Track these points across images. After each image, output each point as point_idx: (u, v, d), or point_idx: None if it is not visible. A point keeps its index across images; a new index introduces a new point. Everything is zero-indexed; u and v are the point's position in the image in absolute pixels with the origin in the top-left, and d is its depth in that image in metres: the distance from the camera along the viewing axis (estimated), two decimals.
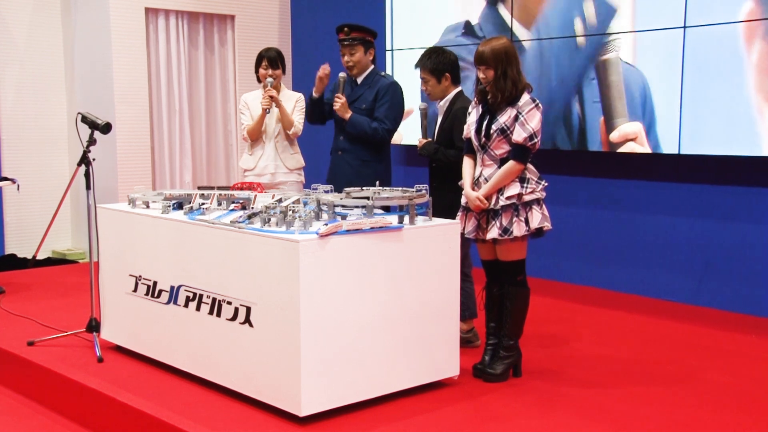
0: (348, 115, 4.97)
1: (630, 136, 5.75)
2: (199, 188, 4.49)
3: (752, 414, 3.71)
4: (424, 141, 4.63)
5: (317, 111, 5.18)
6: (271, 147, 5.45)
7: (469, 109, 4.22)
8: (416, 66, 4.65)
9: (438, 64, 4.53)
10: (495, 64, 3.96)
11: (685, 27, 5.41)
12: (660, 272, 5.89)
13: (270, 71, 5.39)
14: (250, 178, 5.49)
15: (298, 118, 5.46)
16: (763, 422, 3.62)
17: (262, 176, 5.44)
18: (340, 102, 4.97)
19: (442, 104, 4.61)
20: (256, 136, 5.46)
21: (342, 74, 5.08)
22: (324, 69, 5.10)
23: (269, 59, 5.41)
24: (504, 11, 6.41)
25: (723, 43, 5.23)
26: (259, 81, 5.49)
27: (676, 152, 5.52)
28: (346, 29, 5.04)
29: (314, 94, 5.13)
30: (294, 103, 5.49)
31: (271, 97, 5.33)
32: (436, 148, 4.55)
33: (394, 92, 5.01)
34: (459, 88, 4.63)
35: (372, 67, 5.11)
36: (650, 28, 5.59)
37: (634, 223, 6.04)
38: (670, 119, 5.51)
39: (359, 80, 5.09)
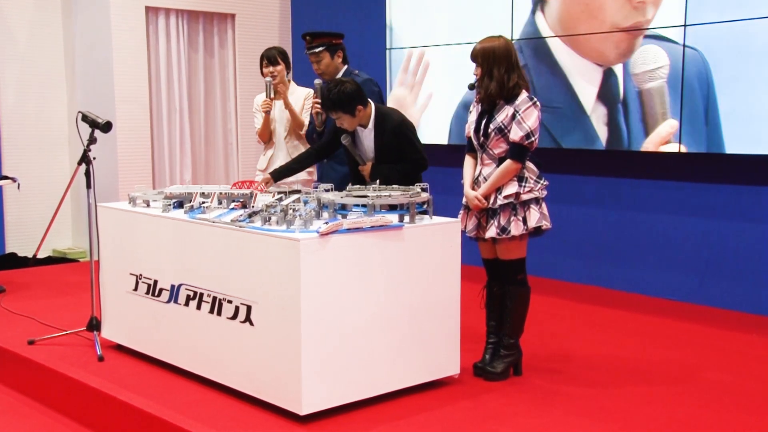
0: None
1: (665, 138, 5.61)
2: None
3: (753, 413, 3.71)
4: (368, 167, 4.44)
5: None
6: (282, 148, 5.40)
7: (470, 108, 4.22)
8: (325, 111, 4.47)
9: (343, 102, 4.25)
10: (482, 62, 4.00)
11: (685, 26, 5.40)
12: (661, 271, 5.89)
13: (270, 68, 5.35)
14: (260, 178, 5.46)
15: (308, 118, 5.37)
16: (764, 422, 3.61)
17: None
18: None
19: (370, 127, 4.41)
20: (266, 137, 5.44)
21: (317, 81, 5.09)
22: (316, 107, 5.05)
23: (267, 57, 5.36)
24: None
25: (724, 42, 5.22)
26: None
27: (677, 152, 5.52)
28: (308, 38, 5.05)
29: (317, 128, 5.10)
30: (303, 101, 5.39)
31: (284, 102, 5.26)
32: (389, 167, 4.37)
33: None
34: (373, 105, 4.41)
35: (345, 67, 5.13)
36: (652, 27, 5.58)
37: (635, 222, 6.03)
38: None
39: None
